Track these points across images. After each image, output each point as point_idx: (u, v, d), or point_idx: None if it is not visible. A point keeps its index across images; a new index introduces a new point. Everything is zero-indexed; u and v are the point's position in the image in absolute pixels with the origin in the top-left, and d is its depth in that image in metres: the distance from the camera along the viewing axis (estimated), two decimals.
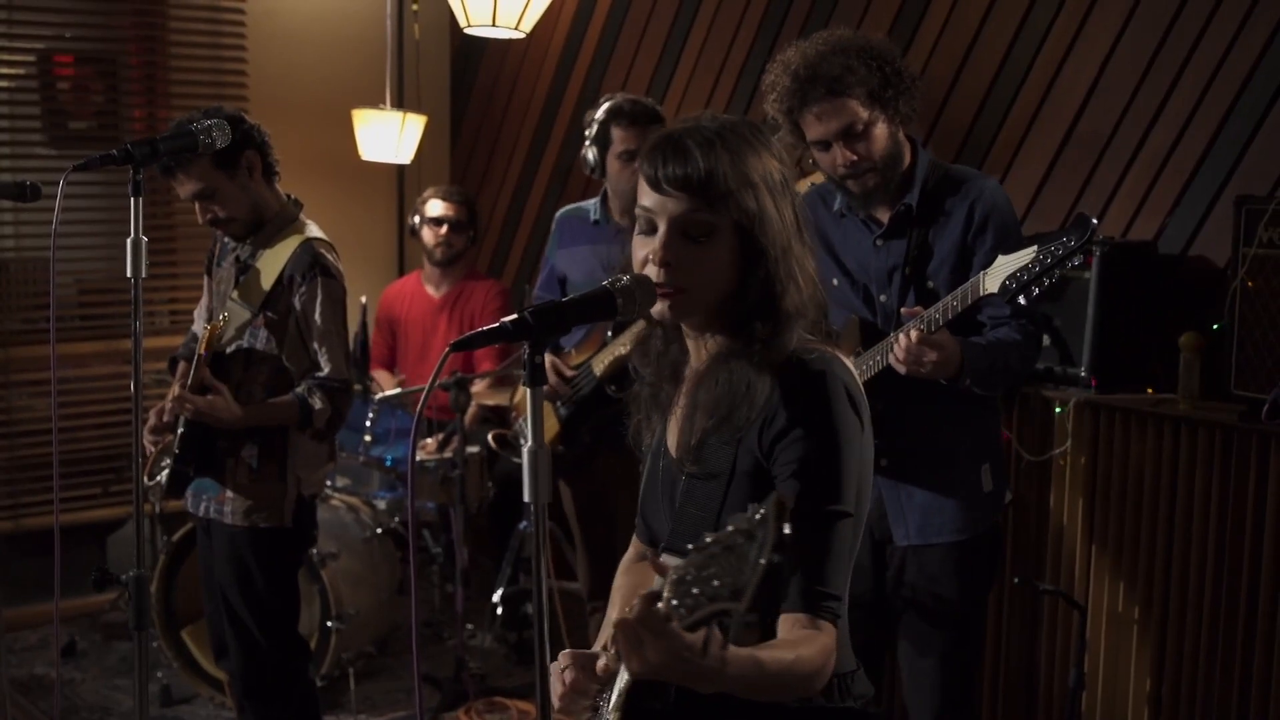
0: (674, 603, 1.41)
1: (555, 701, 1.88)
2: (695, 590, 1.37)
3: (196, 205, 3.35)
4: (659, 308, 1.81)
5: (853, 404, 1.78)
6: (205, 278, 3.65)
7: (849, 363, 1.87)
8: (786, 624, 1.75)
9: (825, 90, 2.79)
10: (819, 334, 1.86)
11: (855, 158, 2.83)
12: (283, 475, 3.41)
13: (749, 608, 1.32)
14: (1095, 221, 2.46)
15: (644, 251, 1.81)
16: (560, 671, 1.87)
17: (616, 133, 3.92)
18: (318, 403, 3.33)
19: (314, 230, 3.45)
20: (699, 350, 1.90)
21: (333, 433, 3.44)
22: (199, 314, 3.72)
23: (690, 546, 1.40)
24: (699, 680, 1.55)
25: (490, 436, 4.61)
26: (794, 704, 1.78)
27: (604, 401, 3.93)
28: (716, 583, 1.34)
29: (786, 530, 1.31)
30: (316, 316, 3.34)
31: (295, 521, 3.44)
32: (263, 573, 3.43)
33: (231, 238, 3.44)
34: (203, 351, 3.28)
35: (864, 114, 2.81)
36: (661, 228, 1.78)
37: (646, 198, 1.80)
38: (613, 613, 2.09)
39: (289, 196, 3.49)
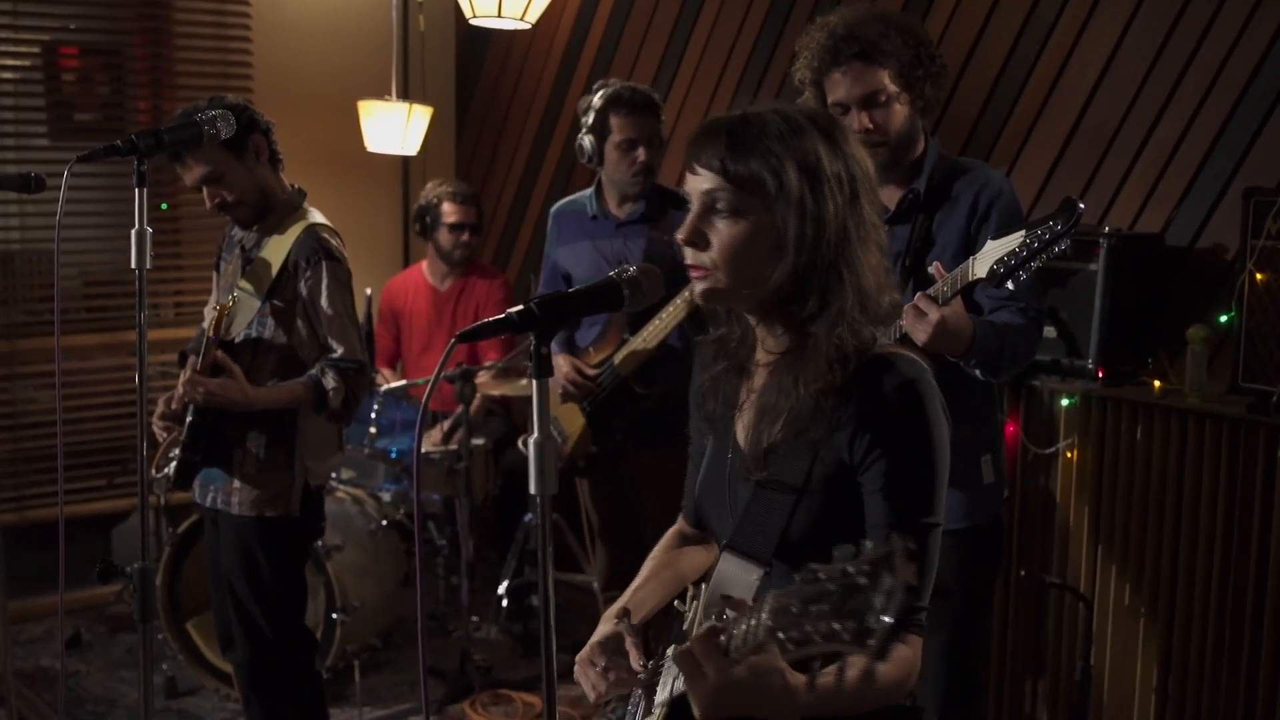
0: (779, 634, 1.38)
1: (591, 696, 1.88)
2: (807, 626, 1.34)
3: (204, 190, 3.34)
4: (695, 289, 1.80)
5: (944, 411, 1.76)
6: (214, 274, 3.64)
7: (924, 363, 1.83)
8: None
9: (858, 51, 2.82)
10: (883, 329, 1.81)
11: (870, 127, 2.83)
12: (290, 464, 3.40)
13: (878, 656, 1.30)
14: (1082, 205, 2.44)
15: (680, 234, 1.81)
16: (599, 670, 1.88)
17: (615, 121, 3.89)
18: (331, 381, 3.30)
19: (317, 216, 3.45)
20: (765, 343, 1.87)
21: (350, 414, 3.39)
22: (209, 311, 3.71)
23: (798, 578, 1.37)
24: (770, 711, 1.55)
25: (521, 441, 4.60)
26: None
27: (631, 398, 3.93)
28: (836, 624, 1.31)
29: (914, 580, 1.29)
30: (323, 300, 3.33)
31: (302, 511, 3.44)
32: (269, 563, 3.42)
33: (238, 223, 3.43)
34: (212, 335, 3.26)
35: (890, 87, 2.83)
36: (693, 208, 1.78)
37: (686, 182, 1.80)
38: (648, 582, 2.08)
39: (293, 186, 3.49)
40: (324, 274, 3.33)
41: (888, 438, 1.73)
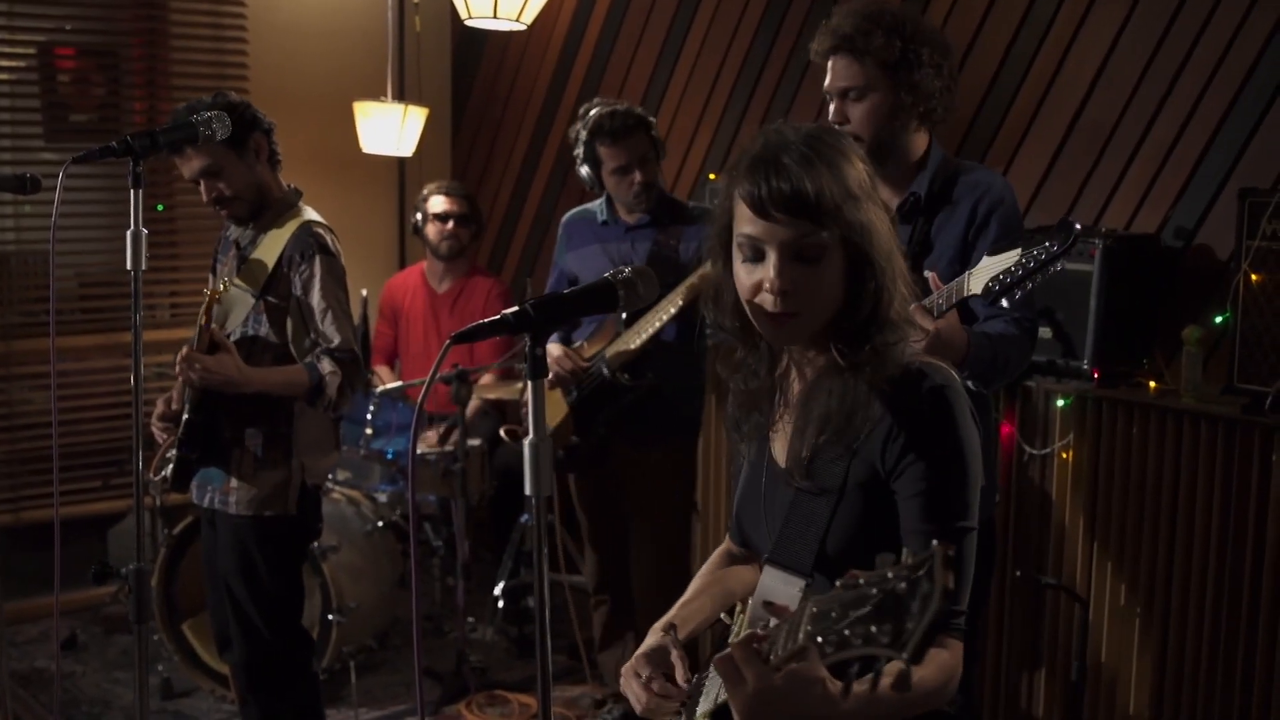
0: (818, 638, 1.38)
1: (637, 708, 1.87)
2: (846, 630, 1.35)
3: (201, 183, 3.33)
4: (770, 332, 1.79)
5: (973, 416, 1.77)
6: (210, 277, 3.64)
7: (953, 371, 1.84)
8: None
9: (834, 45, 2.83)
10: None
11: (841, 119, 2.83)
12: (287, 462, 3.40)
13: (913, 658, 1.30)
14: (1079, 226, 2.43)
15: (753, 279, 1.76)
16: (643, 679, 1.86)
17: (603, 151, 3.94)
18: (327, 365, 3.29)
19: (313, 214, 3.46)
20: (802, 363, 1.87)
21: (344, 404, 3.37)
22: None
23: (839, 584, 1.38)
24: (817, 716, 1.54)
25: (503, 431, 4.60)
26: None
27: (617, 391, 3.93)
28: (874, 627, 1.31)
29: (951, 585, 1.29)
30: (316, 294, 3.33)
31: (300, 511, 3.44)
32: (266, 562, 3.42)
33: (233, 219, 3.43)
34: (203, 321, 3.24)
35: (864, 83, 2.81)
36: (773, 255, 1.73)
37: (751, 225, 1.74)
38: (697, 597, 2.06)
39: (289, 186, 3.49)
40: (317, 268, 3.33)
41: (919, 443, 1.74)
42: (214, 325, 3.25)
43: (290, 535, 3.48)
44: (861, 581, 1.36)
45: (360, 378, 3.40)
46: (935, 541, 1.32)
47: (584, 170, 4.01)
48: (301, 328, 3.37)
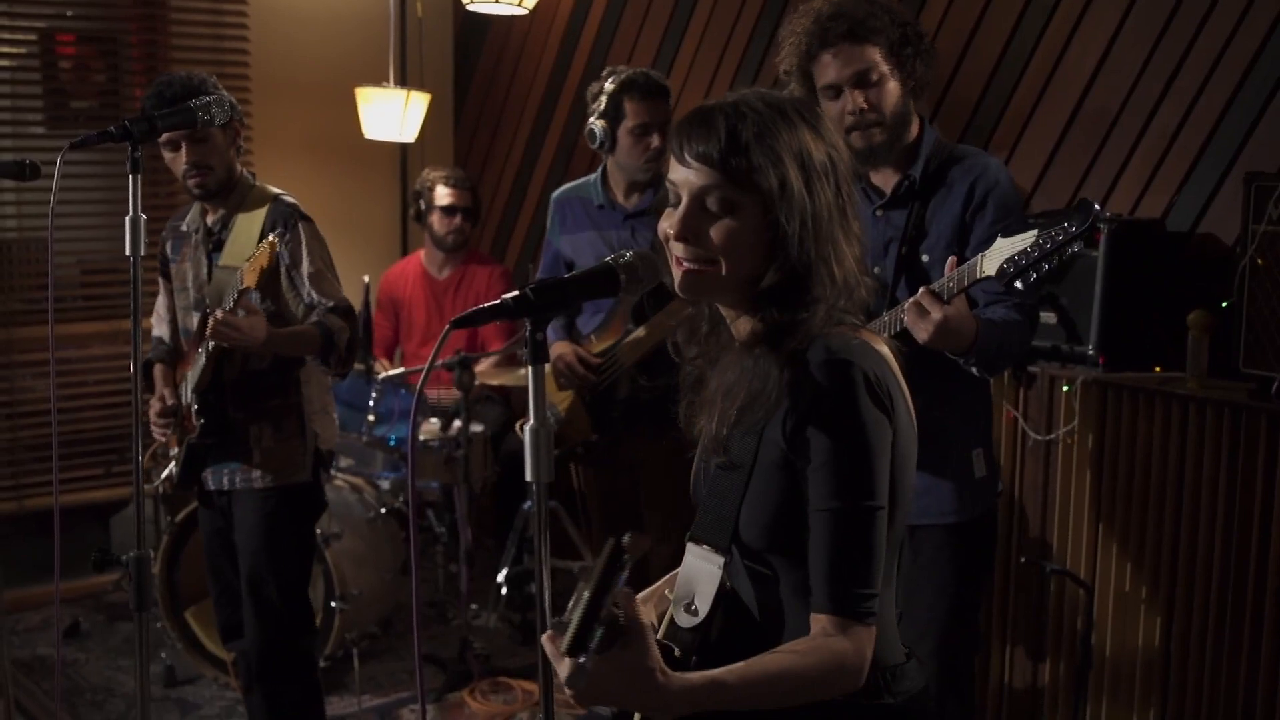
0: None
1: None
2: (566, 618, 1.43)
3: (184, 146, 3.33)
4: (677, 283, 1.77)
5: (873, 393, 1.69)
6: (161, 281, 3.66)
7: (881, 346, 1.79)
8: (814, 624, 1.69)
9: (847, 30, 2.78)
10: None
11: (865, 106, 2.79)
12: (302, 430, 3.49)
13: (567, 650, 1.40)
14: (1098, 206, 2.39)
15: (666, 224, 1.77)
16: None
17: (629, 106, 3.86)
18: (336, 320, 3.34)
19: (276, 189, 3.53)
20: (737, 332, 1.84)
21: (353, 357, 3.44)
22: (159, 317, 3.73)
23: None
24: (645, 706, 1.55)
25: (519, 426, 4.60)
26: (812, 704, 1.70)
27: (632, 388, 3.91)
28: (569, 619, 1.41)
29: (621, 574, 1.35)
30: (305, 260, 3.39)
31: (314, 475, 3.53)
32: (290, 531, 3.49)
33: (202, 188, 3.41)
34: (250, 284, 3.18)
35: (881, 65, 2.79)
36: (683, 200, 1.74)
37: (673, 171, 1.76)
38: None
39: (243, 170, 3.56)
40: (302, 235, 3.40)
41: (815, 417, 1.69)
42: (247, 298, 3.25)
43: (307, 502, 3.56)
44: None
45: (359, 331, 3.49)
46: (627, 536, 1.35)
47: (598, 125, 3.90)
48: (292, 294, 3.39)
